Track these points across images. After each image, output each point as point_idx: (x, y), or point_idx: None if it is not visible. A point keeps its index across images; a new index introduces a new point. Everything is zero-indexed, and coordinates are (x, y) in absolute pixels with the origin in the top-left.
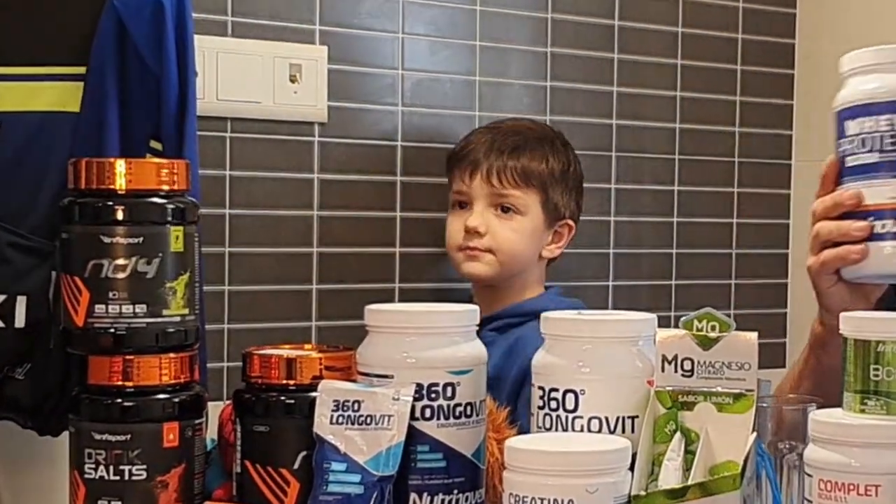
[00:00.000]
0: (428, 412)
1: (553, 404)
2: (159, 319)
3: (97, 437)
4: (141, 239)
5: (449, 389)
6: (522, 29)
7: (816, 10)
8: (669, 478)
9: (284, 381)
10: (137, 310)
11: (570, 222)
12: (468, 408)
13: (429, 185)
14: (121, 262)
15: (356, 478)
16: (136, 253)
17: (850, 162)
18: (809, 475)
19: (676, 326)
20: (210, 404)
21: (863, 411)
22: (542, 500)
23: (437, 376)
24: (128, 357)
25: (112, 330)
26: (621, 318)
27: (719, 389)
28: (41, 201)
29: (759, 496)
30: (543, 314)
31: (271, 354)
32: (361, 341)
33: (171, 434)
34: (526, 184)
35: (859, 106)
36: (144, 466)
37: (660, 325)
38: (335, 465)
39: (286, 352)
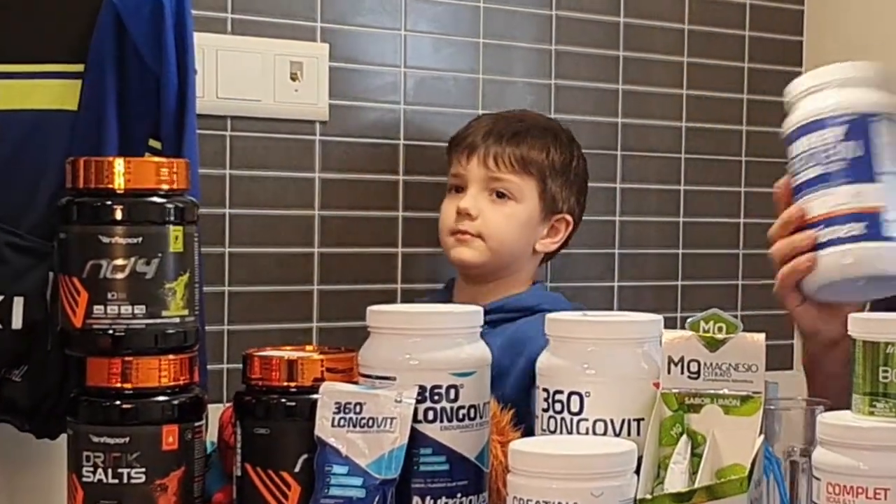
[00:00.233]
0: (431, 414)
1: (557, 406)
2: (158, 320)
3: (95, 439)
4: (140, 239)
5: (452, 391)
6: (526, 26)
7: (824, 7)
8: (676, 481)
9: (285, 383)
10: (136, 311)
11: (568, 217)
12: (471, 410)
13: (431, 184)
14: (119, 262)
15: (358, 481)
16: (135, 253)
17: (799, 180)
18: (817, 478)
19: (683, 328)
20: (210, 406)
21: (872, 413)
22: (546, 503)
23: (440, 378)
24: (126, 358)
25: (111, 331)
26: (627, 320)
27: (726, 392)
28: (39, 201)
29: (767, 500)
30: (548, 315)
31: (272, 356)
32: (363, 343)
33: (170, 437)
34: (523, 170)
35: (802, 126)
36: (143, 469)
37: (666, 327)
38: (337, 469)
39: (287, 353)
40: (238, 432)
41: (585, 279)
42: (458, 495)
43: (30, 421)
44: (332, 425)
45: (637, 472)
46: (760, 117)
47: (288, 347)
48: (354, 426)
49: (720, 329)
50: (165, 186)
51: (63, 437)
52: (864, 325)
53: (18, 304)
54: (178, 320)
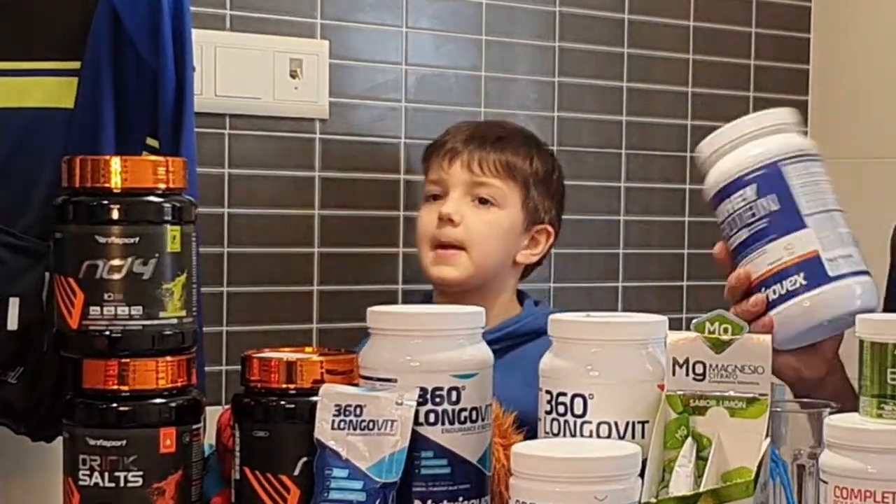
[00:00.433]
0: (432, 417)
1: (561, 409)
2: (156, 322)
3: (92, 442)
4: (137, 239)
5: (454, 394)
6: (529, 23)
7: (831, 3)
8: (681, 484)
9: (284, 385)
10: (133, 312)
11: (550, 228)
12: (473, 412)
13: None
14: (116, 262)
15: (358, 485)
16: (132, 253)
17: (732, 244)
18: (825, 482)
19: (688, 329)
20: (208, 409)
21: (880, 416)
22: None
23: (442, 380)
24: (123, 360)
25: (107, 332)
26: (631, 321)
27: (732, 394)
28: (34, 200)
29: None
30: (552, 316)
31: (271, 358)
32: (363, 344)
33: (167, 440)
34: (508, 176)
35: (717, 192)
36: (140, 473)
37: (671, 328)
38: (337, 472)
39: (286, 355)
40: (236, 435)
41: (589, 279)
42: (460, 499)
43: (25, 423)
44: (332, 428)
45: (641, 475)
46: None
47: (287, 349)
48: (355, 429)
49: (726, 330)
50: (163, 185)
51: (59, 440)
52: (871, 326)
53: (14, 304)
54: (175, 321)
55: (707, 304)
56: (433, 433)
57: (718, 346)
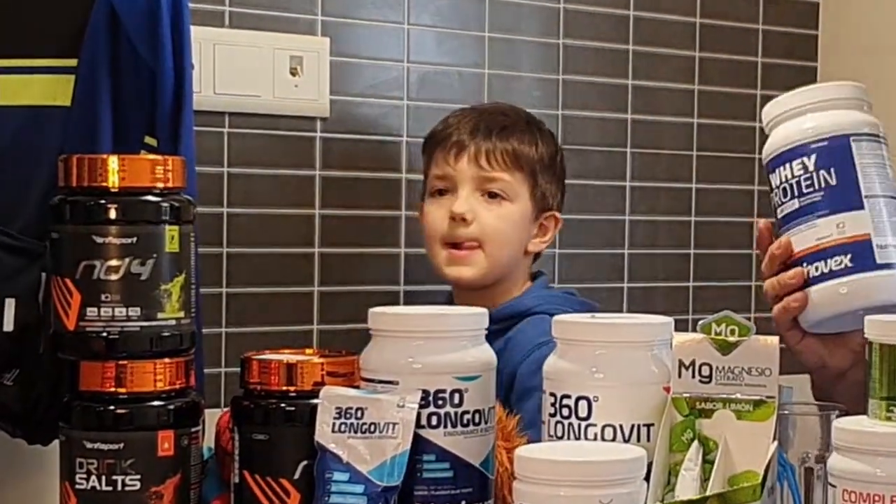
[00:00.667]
0: (434, 420)
1: (565, 411)
2: (154, 323)
3: (89, 445)
4: (134, 239)
5: (456, 396)
6: (533, 19)
7: (840, 0)
8: (687, 488)
9: (284, 388)
10: (131, 313)
11: (557, 214)
12: (476, 415)
13: None
14: (113, 263)
15: (359, 488)
16: (130, 253)
17: (780, 213)
18: (833, 485)
19: (694, 330)
20: (207, 411)
21: (889, 419)
22: None
23: (444, 382)
24: (121, 362)
25: (104, 334)
26: (636, 322)
27: (739, 396)
28: (30, 200)
29: None
30: (555, 318)
31: (271, 359)
32: (365, 346)
33: (166, 443)
34: (516, 167)
35: (775, 157)
36: (138, 476)
37: (677, 329)
38: (337, 475)
39: (286, 357)
40: (236, 438)
41: (594, 280)
42: (463, 503)
43: (21, 426)
44: (333, 431)
45: (647, 478)
46: None
47: (287, 350)
48: (356, 432)
49: (732, 332)
50: (161, 185)
51: (55, 444)
52: (881, 328)
53: (10, 305)
54: (173, 323)
55: (714, 305)
56: (435, 436)
57: (725, 347)
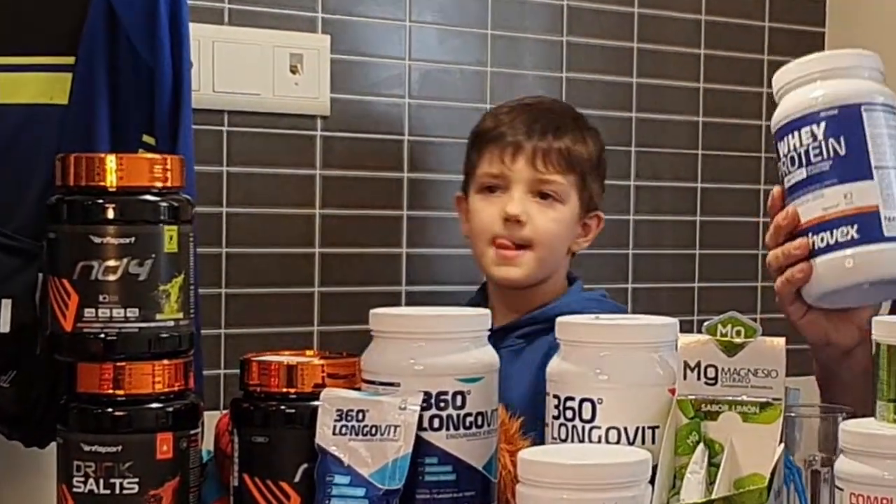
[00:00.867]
0: (436, 422)
1: (569, 414)
2: (152, 324)
3: (86, 448)
4: (133, 239)
5: (458, 398)
6: (536, 16)
7: None
8: (692, 492)
9: (284, 390)
10: (129, 314)
11: (601, 214)
12: (479, 417)
13: (437, 181)
14: (111, 263)
15: (360, 492)
16: (128, 254)
17: (787, 183)
18: (840, 489)
19: (699, 331)
20: (206, 414)
21: None
22: None
23: (446, 384)
24: (119, 364)
25: (102, 335)
26: (641, 323)
27: (745, 398)
28: (27, 199)
29: None
30: (559, 319)
31: (271, 361)
32: (366, 347)
33: (164, 445)
34: (569, 169)
35: (784, 125)
36: (136, 480)
37: (682, 330)
38: (338, 479)
39: (286, 358)
40: (235, 441)
41: (598, 280)
42: None
43: (18, 429)
44: (334, 433)
45: (652, 482)
46: None
47: (287, 352)
48: (357, 434)
49: (738, 333)
50: (159, 184)
51: (52, 446)
52: (888, 329)
53: (6, 306)
54: (172, 324)
55: (719, 305)
56: (437, 439)
57: (731, 349)
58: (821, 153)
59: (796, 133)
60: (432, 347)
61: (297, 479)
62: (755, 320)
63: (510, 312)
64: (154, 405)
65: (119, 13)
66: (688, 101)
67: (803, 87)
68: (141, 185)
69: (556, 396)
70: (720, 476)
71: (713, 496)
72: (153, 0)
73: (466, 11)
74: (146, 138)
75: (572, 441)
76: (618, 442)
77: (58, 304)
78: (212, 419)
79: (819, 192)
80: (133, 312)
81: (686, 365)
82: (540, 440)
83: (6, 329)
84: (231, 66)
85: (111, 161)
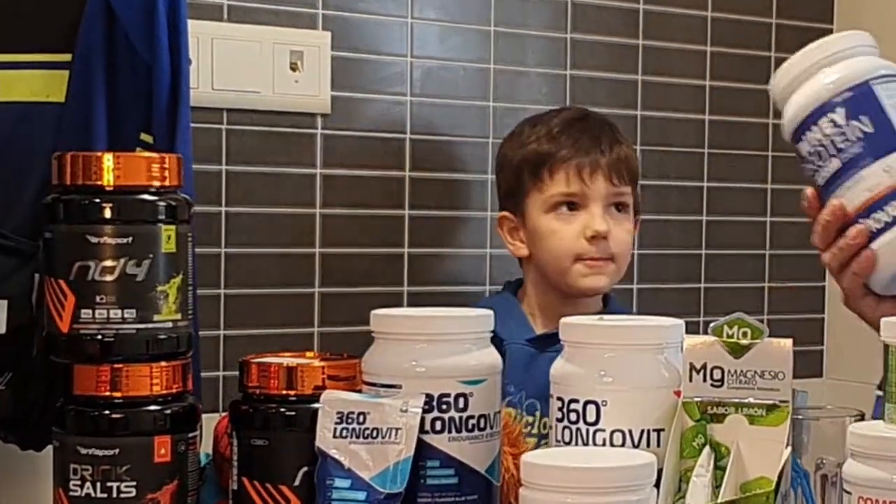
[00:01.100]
0: (438, 425)
1: (573, 416)
2: (150, 325)
3: (83, 451)
4: (130, 239)
5: (461, 400)
6: (540, 13)
7: None
8: (698, 495)
9: (284, 392)
10: (126, 315)
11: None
12: (481, 420)
13: (439, 180)
14: (108, 263)
15: (361, 495)
16: (125, 254)
17: (820, 180)
18: (848, 492)
19: (705, 333)
20: (204, 416)
21: None
22: None
23: (449, 386)
24: (116, 366)
25: (99, 336)
26: (646, 324)
27: (751, 400)
28: (23, 199)
29: None
30: (563, 320)
31: (270, 363)
32: (367, 349)
33: (162, 448)
34: (632, 179)
35: (799, 125)
36: (134, 483)
37: (688, 332)
38: (339, 482)
39: (286, 360)
40: (234, 443)
41: None
42: None
43: (14, 432)
44: (334, 436)
45: (657, 485)
46: None
47: (287, 354)
48: (357, 437)
49: (745, 334)
50: (157, 183)
51: (49, 449)
52: None
53: (2, 307)
54: (170, 325)
55: (726, 306)
56: (439, 441)
57: (737, 350)
58: (847, 137)
59: (815, 127)
60: (434, 349)
61: (297, 482)
62: (762, 321)
63: (556, 318)
64: (152, 407)
65: (117, 10)
66: (694, 98)
67: (806, 82)
68: (138, 185)
69: (559, 399)
70: (726, 479)
71: (719, 500)
72: None
73: (469, 8)
74: (144, 137)
75: (576, 444)
76: (622, 445)
77: (54, 305)
78: (210, 422)
79: (858, 176)
80: (130, 313)
81: (692, 367)
82: None
83: (2, 330)
84: (230, 64)
85: (108, 160)
